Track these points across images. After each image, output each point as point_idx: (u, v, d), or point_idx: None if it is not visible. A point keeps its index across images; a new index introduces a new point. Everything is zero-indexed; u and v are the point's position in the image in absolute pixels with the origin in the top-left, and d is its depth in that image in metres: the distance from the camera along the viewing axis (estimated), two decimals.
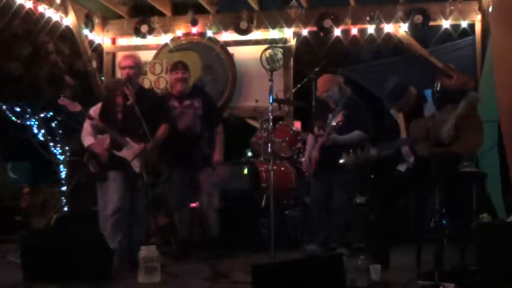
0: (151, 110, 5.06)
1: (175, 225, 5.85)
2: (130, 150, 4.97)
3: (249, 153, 7.23)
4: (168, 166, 5.61)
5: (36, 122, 8.94)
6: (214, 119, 5.77)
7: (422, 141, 4.43)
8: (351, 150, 4.69)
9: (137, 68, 5.18)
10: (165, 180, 5.69)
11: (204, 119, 5.69)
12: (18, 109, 8.78)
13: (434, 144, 4.37)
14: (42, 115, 8.89)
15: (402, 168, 4.70)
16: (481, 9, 6.97)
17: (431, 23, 7.21)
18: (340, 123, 5.20)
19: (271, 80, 5.45)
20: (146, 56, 7.93)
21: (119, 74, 5.56)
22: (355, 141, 5.26)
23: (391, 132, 4.78)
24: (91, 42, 7.98)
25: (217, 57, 7.80)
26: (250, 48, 7.80)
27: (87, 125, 5.45)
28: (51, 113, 8.92)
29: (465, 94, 4.52)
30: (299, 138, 6.36)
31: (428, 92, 4.71)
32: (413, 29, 7.24)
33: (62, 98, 5.04)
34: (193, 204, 5.92)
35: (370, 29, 7.27)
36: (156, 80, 7.99)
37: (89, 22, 7.79)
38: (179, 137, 5.55)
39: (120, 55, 7.61)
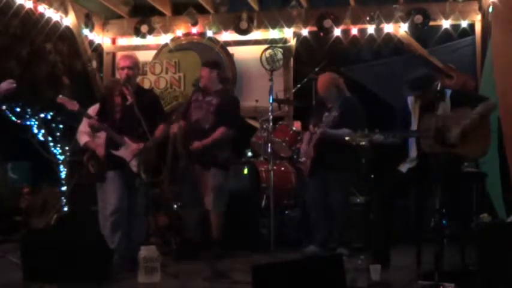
0: (150, 109, 5.06)
1: (176, 225, 5.85)
2: (128, 150, 4.97)
3: (249, 153, 7.23)
4: (176, 158, 5.59)
5: (36, 122, 8.93)
6: (224, 119, 5.54)
7: (429, 137, 4.41)
8: (359, 130, 4.64)
9: (136, 68, 5.19)
10: (167, 180, 5.68)
11: (217, 117, 5.52)
12: (18, 109, 8.77)
13: (440, 143, 4.36)
14: (42, 115, 8.88)
15: (403, 168, 4.70)
16: (481, 9, 6.97)
17: (431, 23, 7.20)
18: (334, 119, 5.21)
19: (271, 80, 5.46)
20: (146, 56, 7.94)
21: (118, 74, 5.56)
22: (342, 138, 5.25)
23: (402, 123, 4.75)
24: (91, 42, 7.98)
25: (217, 57, 7.79)
26: (250, 48, 7.80)
27: (85, 123, 5.46)
28: (51, 113, 8.91)
29: (483, 100, 4.52)
30: (299, 138, 6.36)
31: (447, 92, 4.66)
32: (413, 29, 7.24)
33: (60, 96, 5.05)
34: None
35: (370, 29, 7.27)
36: (156, 80, 8.00)
37: (89, 22, 7.79)
38: (190, 130, 5.56)
39: (120, 55, 7.62)
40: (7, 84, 4.73)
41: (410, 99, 4.75)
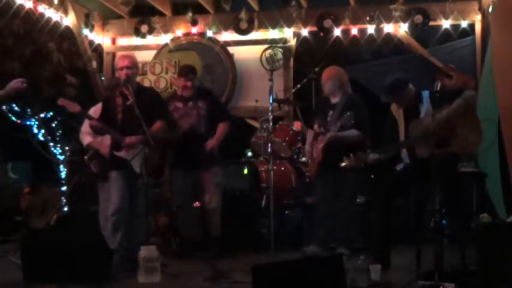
0: (151, 108, 5.06)
1: (176, 225, 5.85)
2: (129, 150, 4.97)
3: (249, 153, 7.23)
4: (171, 166, 5.60)
5: (36, 122, 8.93)
6: (218, 117, 5.72)
7: (422, 142, 4.43)
8: (351, 154, 4.71)
9: (134, 67, 5.20)
10: (167, 181, 5.69)
11: (209, 119, 5.66)
12: (18, 109, 8.77)
13: (435, 145, 4.37)
14: (42, 115, 8.89)
15: (399, 167, 4.71)
16: (481, 9, 6.97)
17: (431, 23, 7.21)
18: (345, 123, 5.20)
19: (271, 80, 5.46)
20: (146, 56, 7.95)
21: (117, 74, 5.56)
22: (353, 139, 5.27)
23: (391, 132, 4.79)
24: (91, 42, 7.98)
25: (217, 57, 7.80)
26: (250, 48, 7.80)
27: (86, 125, 5.46)
28: (51, 113, 8.91)
29: (459, 94, 4.54)
30: (299, 138, 6.36)
31: (425, 93, 4.72)
32: (413, 29, 7.24)
33: (61, 98, 5.05)
34: (196, 204, 5.91)
35: (370, 29, 7.28)
36: (156, 80, 8.00)
37: (89, 22, 7.80)
38: (183, 137, 5.57)
39: (118, 55, 7.61)
40: (16, 83, 4.70)
41: (393, 107, 4.80)
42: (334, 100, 5.56)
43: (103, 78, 8.25)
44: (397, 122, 4.77)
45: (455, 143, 4.40)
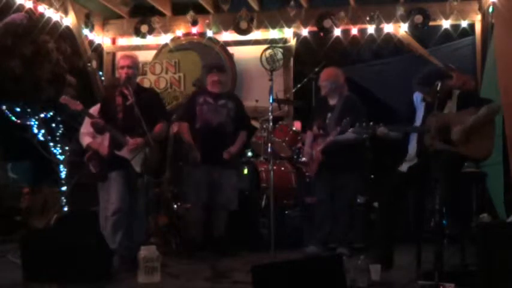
0: (151, 108, 5.06)
1: (176, 225, 5.85)
2: (131, 150, 4.97)
3: (249, 153, 7.23)
4: (194, 162, 5.60)
5: (36, 122, 8.93)
6: (242, 124, 5.80)
7: (432, 134, 4.40)
8: (364, 123, 4.66)
9: (136, 67, 5.20)
10: (186, 175, 5.71)
11: (234, 122, 5.72)
12: (18, 109, 8.76)
13: (442, 140, 4.34)
14: (42, 115, 8.89)
15: (404, 168, 4.69)
16: (481, 9, 6.98)
17: (431, 23, 7.21)
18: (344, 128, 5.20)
19: (271, 80, 5.46)
20: (146, 56, 7.94)
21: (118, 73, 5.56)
22: (350, 141, 5.27)
23: (407, 118, 4.75)
24: (91, 42, 7.98)
25: (217, 57, 7.80)
26: (250, 48, 7.80)
27: (86, 125, 5.45)
28: (51, 113, 8.91)
29: (487, 101, 4.52)
30: (299, 138, 6.36)
31: (455, 92, 4.65)
32: (413, 29, 7.24)
33: (63, 96, 5.05)
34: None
35: (370, 29, 7.28)
36: (156, 80, 8.00)
37: (89, 22, 7.79)
38: (212, 132, 5.61)
39: (120, 55, 7.62)
40: (17, 15, 4.63)
41: (416, 96, 4.75)
42: (332, 102, 5.58)
43: (103, 78, 8.25)
44: (415, 111, 4.72)
45: (467, 146, 4.37)
